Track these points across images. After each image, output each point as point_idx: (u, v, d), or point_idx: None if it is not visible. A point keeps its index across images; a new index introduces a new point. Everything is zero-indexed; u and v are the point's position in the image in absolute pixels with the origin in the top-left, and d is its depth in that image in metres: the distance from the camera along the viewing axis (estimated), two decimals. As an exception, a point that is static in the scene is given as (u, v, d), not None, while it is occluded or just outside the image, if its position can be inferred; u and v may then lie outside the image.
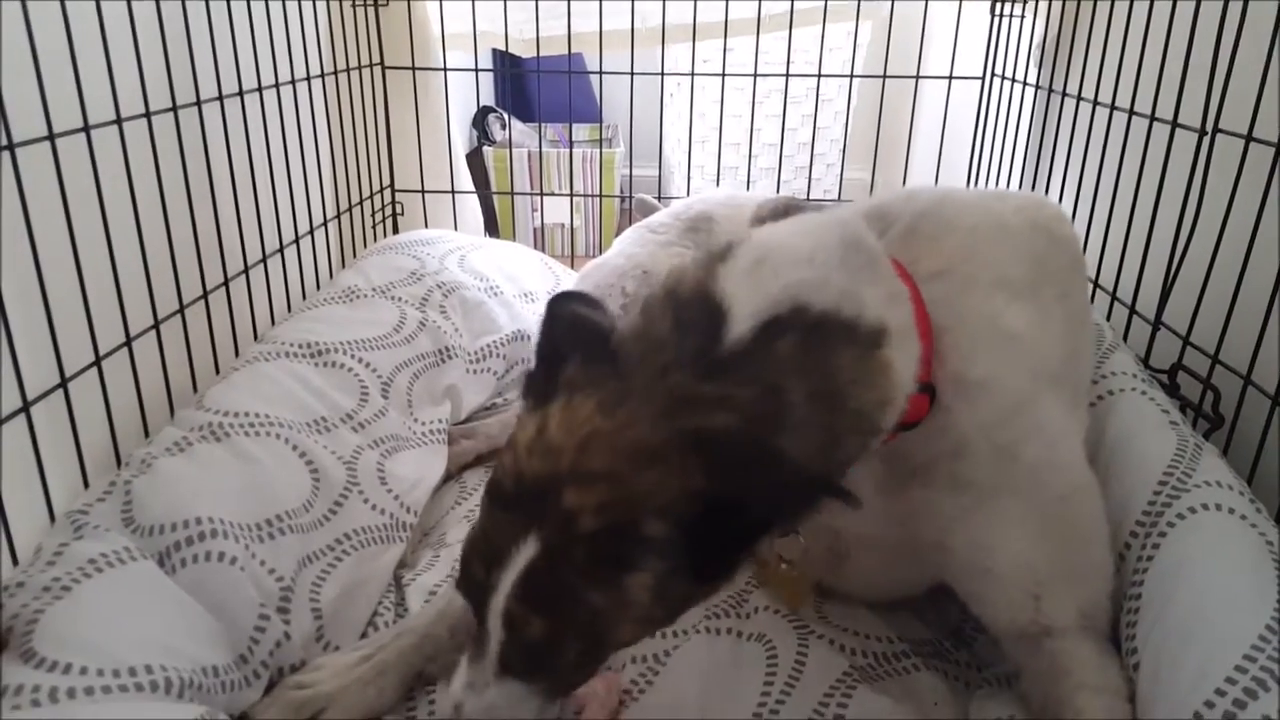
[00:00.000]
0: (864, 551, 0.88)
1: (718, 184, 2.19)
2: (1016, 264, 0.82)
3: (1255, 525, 0.78)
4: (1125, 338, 1.17)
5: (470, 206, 2.09)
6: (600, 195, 2.48)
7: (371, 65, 1.77)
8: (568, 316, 0.71)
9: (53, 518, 0.84)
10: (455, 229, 1.90)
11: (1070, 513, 0.80)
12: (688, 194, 2.09)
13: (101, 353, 0.92)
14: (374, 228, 1.81)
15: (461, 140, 2.40)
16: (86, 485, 0.90)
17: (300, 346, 1.18)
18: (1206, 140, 1.01)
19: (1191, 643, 0.71)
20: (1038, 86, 1.61)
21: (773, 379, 0.65)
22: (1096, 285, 1.28)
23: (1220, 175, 0.99)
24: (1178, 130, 1.07)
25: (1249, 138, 0.94)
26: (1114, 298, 1.23)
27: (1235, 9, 0.97)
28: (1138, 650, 0.75)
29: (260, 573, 0.86)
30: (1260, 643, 0.67)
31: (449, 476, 1.25)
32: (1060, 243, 0.88)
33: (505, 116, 2.74)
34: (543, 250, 2.05)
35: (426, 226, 1.86)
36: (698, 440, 0.60)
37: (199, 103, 1.11)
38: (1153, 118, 1.14)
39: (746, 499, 0.60)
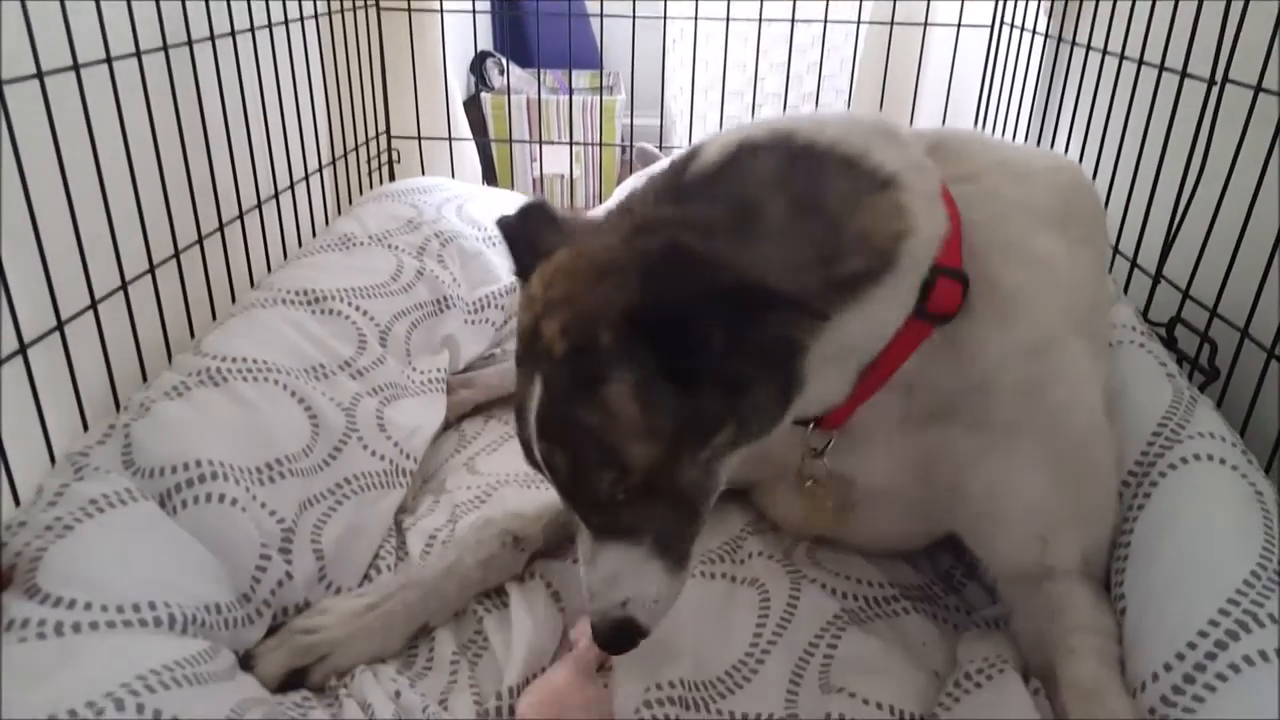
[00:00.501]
0: (872, 504, 0.89)
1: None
2: (1045, 195, 0.81)
3: (1246, 476, 0.80)
4: (1125, 290, 1.17)
5: (468, 154, 2.07)
6: (600, 144, 2.45)
7: (366, 5, 1.73)
8: (534, 208, 0.75)
9: (53, 459, 0.85)
10: (453, 177, 1.88)
11: (1086, 458, 0.80)
12: (689, 144, 2.07)
13: (98, 296, 0.92)
14: (370, 175, 1.79)
15: (459, 86, 2.36)
16: (86, 428, 0.90)
17: (297, 294, 1.17)
18: (1215, 91, 1.00)
19: (1177, 588, 0.72)
20: (1047, 35, 1.58)
21: (744, 194, 0.66)
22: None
23: (1227, 128, 0.98)
24: (1186, 80, 1.06)
25: (1258, 88, 0.93)
26: (1116, 251, 1.23)
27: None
28: (1125, 595, 0.77)
29: (261, 514, 0.86)
30: (1244, 587, 0.69)
31: (448, 425, 1.26)
32: (1084, 190, 0.88)
33: (504, 62, 2.69)
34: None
35: (423, 174, 1.84)
36: (642, 257, 0.63)
37: (190, 42, 1.09)
38: (1162, 67, 1.12)
39: (679, 308, 0.61)
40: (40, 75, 0.83)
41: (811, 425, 0.82)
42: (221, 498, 0.83)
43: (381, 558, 0.97)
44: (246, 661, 0.80)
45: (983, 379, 0.76)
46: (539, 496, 0.99)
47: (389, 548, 0.99)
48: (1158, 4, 1.14)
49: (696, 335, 0.62)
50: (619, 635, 0.70)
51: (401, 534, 1.03)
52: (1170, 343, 1.05)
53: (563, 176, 2.55)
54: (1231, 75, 0.98)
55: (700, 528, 0.72)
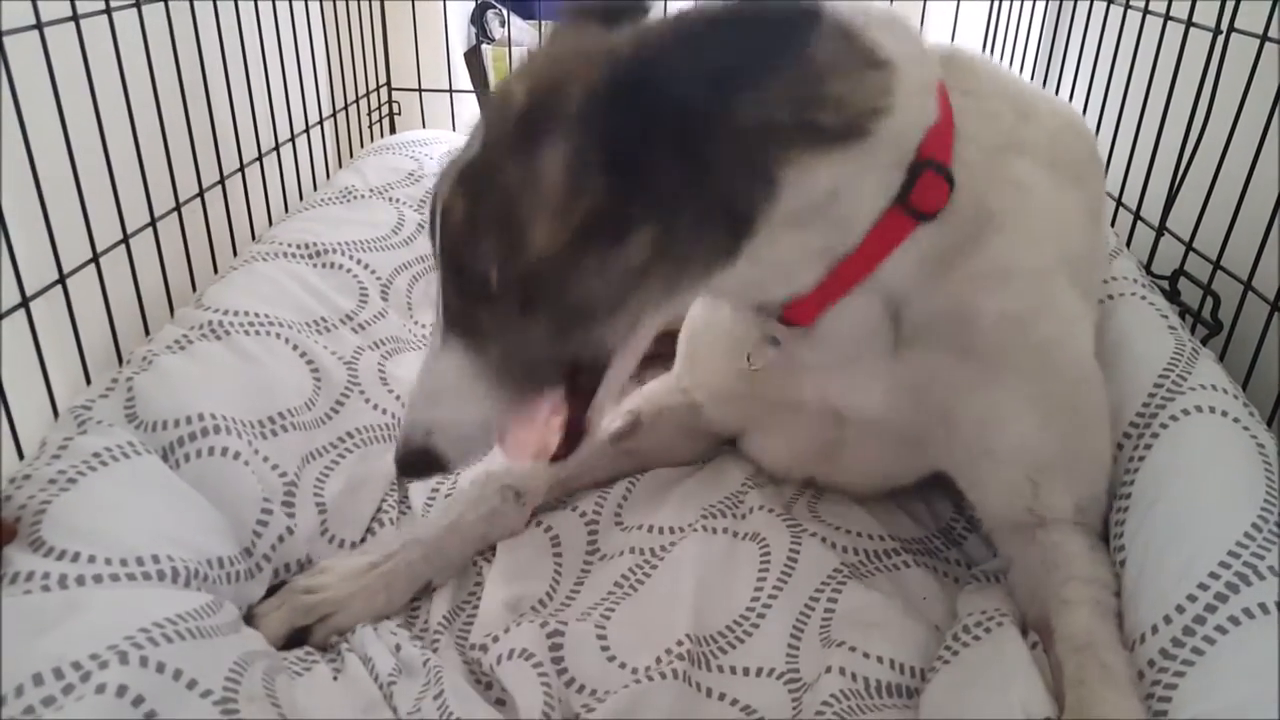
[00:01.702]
0: (863, 439, 0.89)
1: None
2: (1040, 133, 0.80)
3: (1248, 429, 0.79)
4: (1129, 243, 1.16)
5: (468, 106, 2.04)
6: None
7: (366, -42, 1.70)
8: None
9: (55, 413, 0.85)
10: (453, 129, 1.86)
11: (1076, 401, 0.80)
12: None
13: (99, 250, 0.92)
14: (371, 127, 1.77)
15: (459, 37, 2.33)
16: (88, 381, 0.90)
17: (298, 247, 1.17)
18: (1221, 40, 0.98)
19: (1178, 539, 0.72)
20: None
21: (737, 30, 0.62)
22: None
23: (1232, 78, 0.97)
24: (1192, 30, 1.04)
25: (1264, 37, 0.92)
26: (1119, 203, 1.22)
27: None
28: (1125, 547, 0.77)
29: (264, 468, 0.87)
30: (1245, 539, 0.68)
31: (449, 379, 1.26)
32: (1081, 135, 0.87)
33: (505, 13, 2.65)
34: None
35: (424, 126, 1.83)
36: (626, 44, 0.64)
37: (191, -9, 1.08)
38: (1167, 16, 1.10)
39: (646, 80, 0.61)
40: (40, 26, 0.82)
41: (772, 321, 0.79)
42: (224, 451, 0.84)
43: (384, 511, 0.98)
44: (249, 620, 0.80)
45: (967, 302, 0.75)
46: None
47: (391, 502, 0.99)
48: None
49: (655, 113, 0.61)
50: (415, 464, 0.68)
51: (403, 487, 1.03)
52: (1173, 295, 1.04)
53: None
54: (1238, 25, 0.96)
55: (605, 380, 0.68)
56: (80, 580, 0.67)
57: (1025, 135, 0.78)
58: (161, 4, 1.02)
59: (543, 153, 0.62)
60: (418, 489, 1.02)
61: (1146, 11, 1.16)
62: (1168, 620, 0.68)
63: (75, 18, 0.87)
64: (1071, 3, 1.44)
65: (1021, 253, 0.76)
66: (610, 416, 1.01)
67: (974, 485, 0.85)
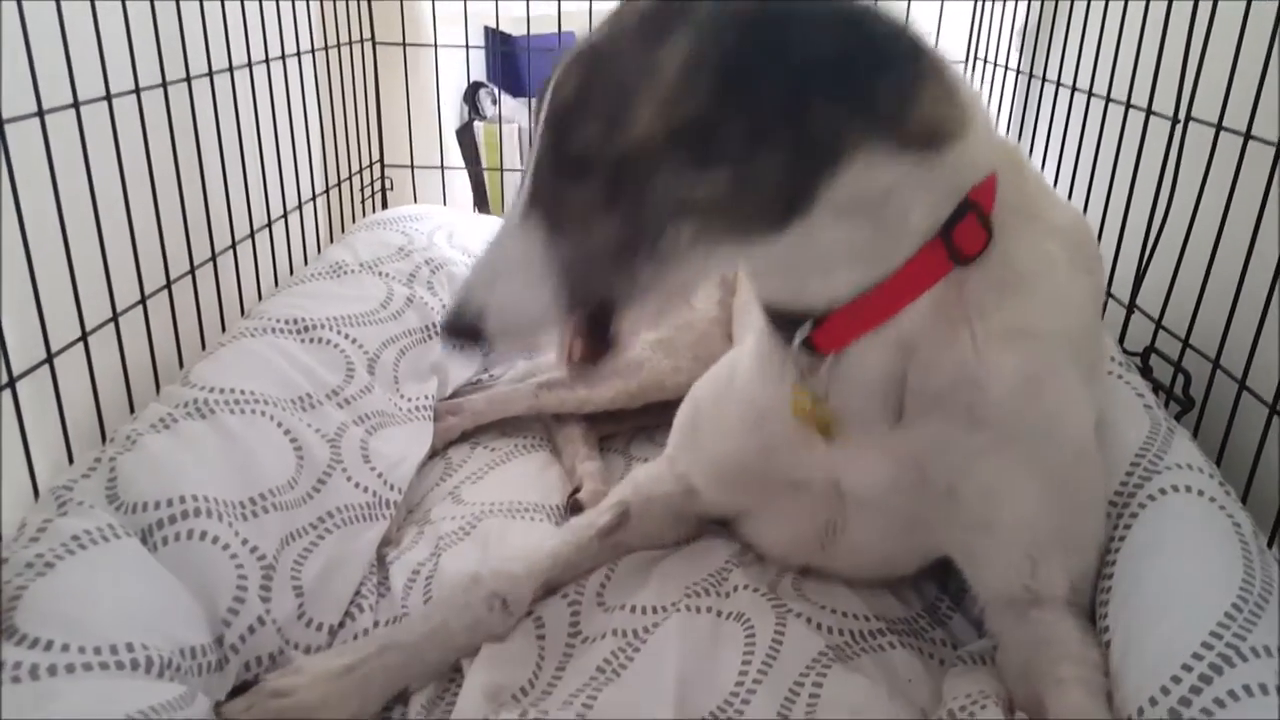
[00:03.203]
0: (863, 521, 0.89)
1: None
2: (1064, 218, 0.84)
3: (1224, 507, 0.80)
4: (1102, 319, 1.18)
5: (460, 182, 2.09)
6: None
7: (362, 40, 1.76)
8: None
9: (37, 493, 0.84)
10: (445, 205, 1.89)
11: (1077, 477, 0.81)
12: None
13: (88, 328, 0.93)
14: (363, 203, 1.80)
15: (452, 115, 2.39)
16: (71, 461, 0.90)
17: (287, 322, 1.18)
18: (1179, 128, 1.02)
19: (1159, 620, 0.73)
20: (1019, 71, 1.61)
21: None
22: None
23: (1193, 162, 1.01)
24: (1152, 117, 1.08)
25: (1219, 126, 0.96)
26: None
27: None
28: (1109, 628, 0.77)
29: (243, 551, 0.86)
30: (1226, 620, 0.69)
31: (434, 453, 1.26)
32: (1091, 234, 0.90)
33: (496, 91, 2.72)
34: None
35: (416, 202, 1.86)
36: None
37: (189, 79, 1.11)
38: (1128, 105, 1.15)
39: (785, 16, 0.65)
40: (41, 113, 0.84)
41: (802, 339, 0.79)
42: (203, 535, 0.83)
43: (363, 595, 0.97)
44: (218, 716, 0.77)
45: (979, 364, 0.76)
46: (525, 539, 0.99)
47: (371, 585, 0.98)
48: (1123, 43, 1.17)
49: (776, 58, 0.64)
50: (459, 335, 0.69)
51: (384, 568, 1.02)
52: (1145, 372, 1.06)
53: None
54: (1196, 113, 1.01)
55: (638, 296, 0.69)
56: (52, 670, 0.66)
57: (1053, 218, 0.82)
58: (161, 90, 1.05)
59: (665, 45, 0.65)
60: (399, 569, 1.01)
61: (1109, 100, 1.20)
62: (1153, 702, 0.68)
63: (76, 105, 0.90)
64: (1039, 86, 1.49)
65: (1040, 317, 0.78)
66: (598, 510, 1.01)
67: (972, 560, 0.85)
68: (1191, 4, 1.00)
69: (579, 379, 0.74)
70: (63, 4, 0.87)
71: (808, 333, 0.78)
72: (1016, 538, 0.80)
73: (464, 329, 0.69)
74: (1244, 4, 0.93)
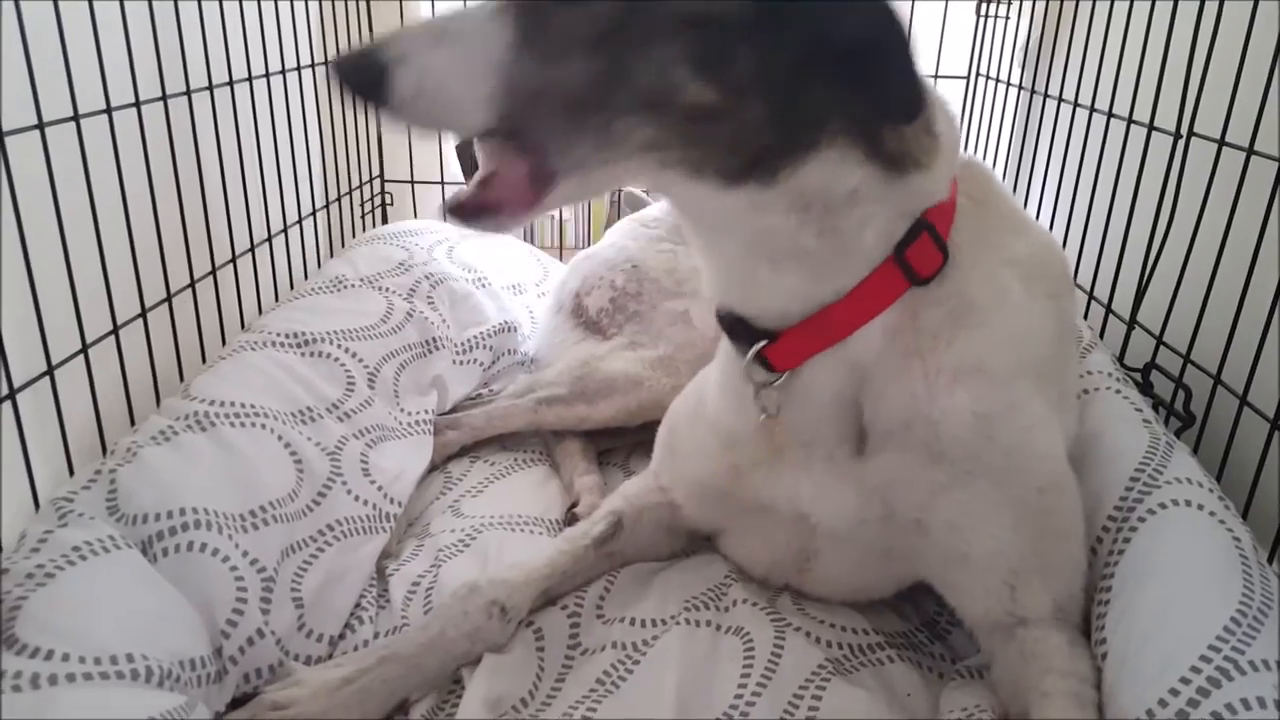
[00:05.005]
0: (835, 551, 0.89)
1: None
2: (1026, 249, 0.84)
3: (1224, 522, 0.80)
4: (1102, 335, 1.19)
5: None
6: (590, 187, 2.47)
7: (362, 55, 1.76)
8: None
9: (37, 504, 0.84)
10: (445, 219, 1.90)
11: (1047, 505, 0.81)
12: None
13: (89, 340, 0.93)
14: (363, 218, 1.81)
15: (452, 131, 2.39)
16: (71, 472, 0.90)
17: (287, 336, 1.18)
18: (1181, 144, 1.03)
19: (1158, 634, 0.73)
20: (1020, 87, 1.62)
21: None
22: (1075, 285, 1.30)
23: (1195, 178, 1.01)
24: (1154, 133, 1.09)
25: (1221, 142, 0.96)
26: (1091, 296, 1.25)
27: (1210, 14, 0.98)
28: (1106, 640, 0.77)
29: (243, 563, 0.86)
30: (1225, 634, 0.69)
31: (434, 467, 1.26)
32: (1059, 257, 0.91)
33: (496, 107, 2.73)
34: (532, 242, 2.05)
35: (416, 217, 1.87)
36: None
37: (189, 92, 1.12)
38: (1130, 120, 1.15)
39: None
40: (41, 126, 0.85)
41: (756, 352, 0.79)
42: (203, 547, 0.83)
43: (363, 608, 0.97)
44: None
45: (934, 401, 0.77)
46: (524, 552, 0.98)
47: (370, 597, 0.98)
48: (1125, 58, 1.18)
49: (821, 5, 0.64)
50: (355, 69, 0.61)
51: (384, 580, 1.02)
52: (1146, 388, 1.06)
53: (552, 217, 2.57)
54: (1197, 129, 1.01)
55: (569, 161, 0.65)
56: (53, 679, 0.66)
57: (1012, 248, 0.82)
58: (160, 103, 1.06)
59: None
60: (398, 581, 1.01)
61: (1111, 115, 1.21)
62: (1150, 715, 0.68)
63: (76, 117, 0.90)
64: (1041, 102, 1.50)
65: (992, 352, 0.78)
66: (592, 520, 1.01)
67: (951, 589, 0.86)
68: (1194, 20, 1.00)
69: (468, 223, 0.69)
70: (62, 17, 0.87)
71: (762, 347, 0.78)
72: (992, 567, 0.81)
73: (369, 66, 0.60)
74: (1247, 20, 0.93)
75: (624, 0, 0.62)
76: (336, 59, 0.62)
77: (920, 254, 0.74)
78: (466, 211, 0.70)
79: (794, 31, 0.65)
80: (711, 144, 0.67)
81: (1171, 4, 1.05)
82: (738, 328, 0.81)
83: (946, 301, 0.76)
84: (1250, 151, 0.92)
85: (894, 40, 0.66)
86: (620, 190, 1.81)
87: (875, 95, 0.67)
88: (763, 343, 0.78)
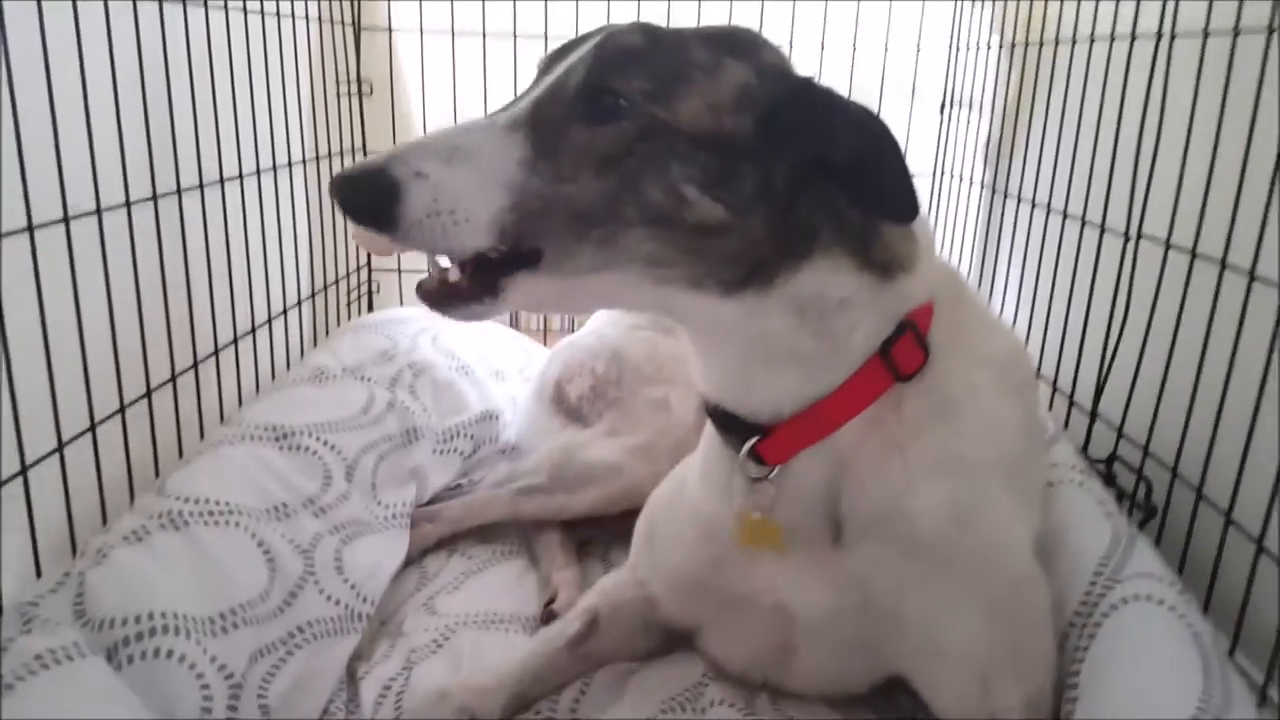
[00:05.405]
0: (813, 643, 0.89)
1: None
2: (998, 349, 0.87)
3: (1184, 616, 0.82)
4: (1066, 426, 1.21)
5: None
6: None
7: (354, 150, 1.80)
8: None
9: (1, 609, 0.83)
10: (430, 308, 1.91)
11: (1019, 600, 0.82)
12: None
13: (65, 438, 0.93)
14: (349, 305, 1.82)
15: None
16: (39, 575, 0.89)
17: (265, 429, 1.18)
18: (1131, 245, 1.07)
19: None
20: (983, 186, 1.68)
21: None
22: (1038, 376, 1.33)
23: (1147, 276, 1.05)
24: (1105, 234, 1.14)
25: (1168, 244, 1.00)
26: (1055, 388, 1.28)
27: (1153, 120, 1.04)
28: (1076, 738, 0.77)
29: (210, 670, 0.85)
30: (1186, 729, 0.69)
31: (410, 561, 1.25)
32: (1026, 361, 0.95)
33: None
34: (516, 325, 2.07)
35: (402, 305, 1.88)
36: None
37: (179, 191, 1.13)
38: (1084, 221, 1.20)
39: (833, 102, 0.72)
40: (30, 229, 0.86)
41: (749, 448, 0.80)
42: (169, 653, 0.82)
43: (332, 713, 0.95)
44: None
45: (910, 493, 0.78)
46: (499, 652, 0.97)
47: (340, 701, 0.97)
48: (1078, 161, 1.23)
49: (808, 133, 0.70)
50: (366, 189, 0.61)
51: (354, 683, 1.01)
52: (1110, 479, 1.08)
53: (538, 304, 2.59)
54: (1149, 229, 1.06)
55: (567, 263, 0.67)
56: (5, 800, 0.65)
57: (985, 349, 0.85)
58: (150, 203, 1.07)
59: (729, 62, 0.71)
60: (369, 684, 0.99)
61: (1066, 215, 1.26)
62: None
63: (66, 219, 0.92)
64: (1002, 201, 1.56)
65: (967, 446, 0.80)
66: (567, 619, 1.01)
67: (926, 685, 0.86)
68: (1137, 124, 1.05)
69: (436, 309, 0.69)
70: (58, 115, 0.89)
71: (755, 443, 0.80)
72: (965, 661, 0.81)
73: (378, 186, 0.60)
74: (1186, 123, 0.98)
75: (638, 121, 0.67)
76: (335, 179, 0.63)
77: (904, 352, 0.77)
78: (434, 298, 0.71)
79: (798, 147, 0.70)
80: (713, 257, 0.71)
81: (1117, 110, 1.11)
82: (729, 423, 0.82)
83: (927, 396, 0.79)
84: (1194, 255, 0.96)
85: (891, 146, 0.71)
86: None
87: (874, 200, 0.72)
88: (755, 438, 0.80)
